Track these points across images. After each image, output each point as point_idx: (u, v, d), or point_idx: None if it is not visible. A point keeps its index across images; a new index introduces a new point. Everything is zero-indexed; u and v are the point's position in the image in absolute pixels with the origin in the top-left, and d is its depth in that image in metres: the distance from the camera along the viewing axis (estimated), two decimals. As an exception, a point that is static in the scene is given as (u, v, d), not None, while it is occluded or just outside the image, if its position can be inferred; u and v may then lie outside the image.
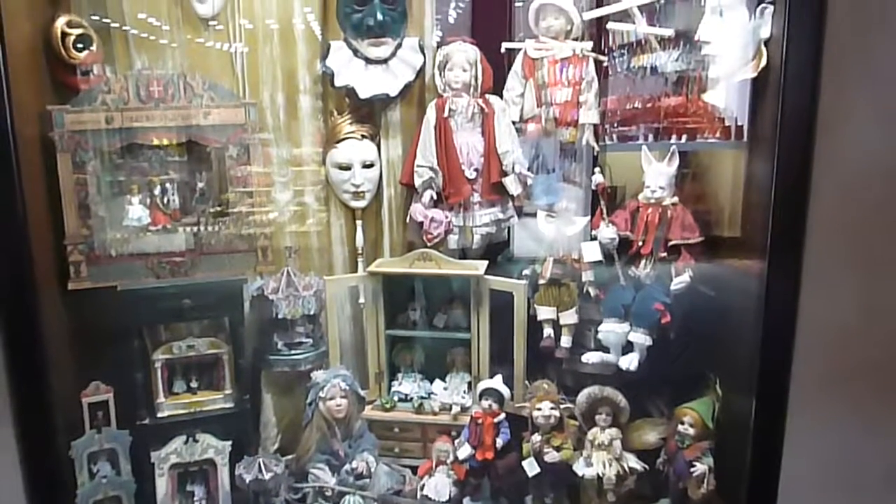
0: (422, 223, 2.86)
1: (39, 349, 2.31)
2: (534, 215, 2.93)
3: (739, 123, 2.66)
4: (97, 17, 2.75)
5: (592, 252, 2.75)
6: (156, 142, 2.64)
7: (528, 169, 2.91)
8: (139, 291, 2.66)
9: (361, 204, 3.06)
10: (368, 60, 2.89)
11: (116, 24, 2.80)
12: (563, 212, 2.85)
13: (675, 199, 2.74)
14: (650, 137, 2.79)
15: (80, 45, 2.62)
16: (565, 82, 2.84)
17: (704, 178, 3.00)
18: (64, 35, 2.59)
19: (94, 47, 2.66)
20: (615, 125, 2.83)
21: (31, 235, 2.28)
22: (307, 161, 3.04)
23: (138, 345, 2.73)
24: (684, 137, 2.75)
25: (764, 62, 2.43)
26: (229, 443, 2.74)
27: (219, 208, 2.78)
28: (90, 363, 2.69)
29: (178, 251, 2.67)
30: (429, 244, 2.86)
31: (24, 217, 2.25)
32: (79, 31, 2.63)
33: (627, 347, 2.76)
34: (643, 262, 2.77)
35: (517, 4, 2.89)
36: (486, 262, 2.88)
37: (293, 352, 2.88)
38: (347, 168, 2.99)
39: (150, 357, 2.73)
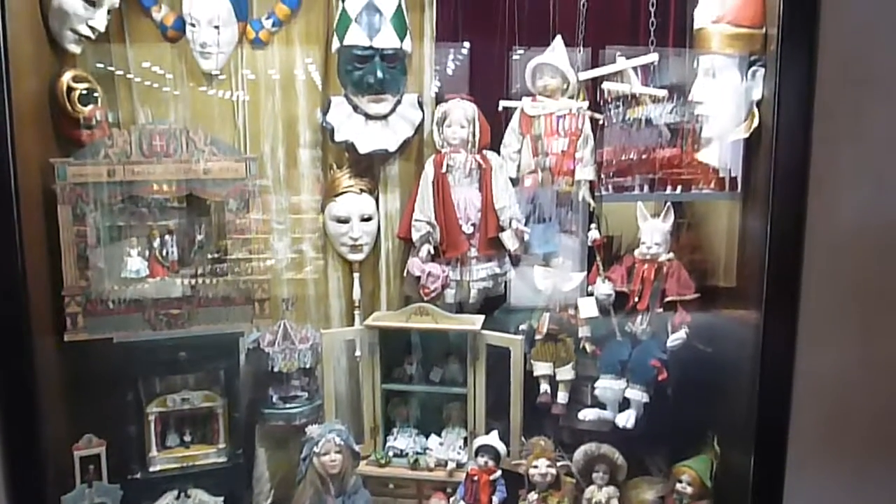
0: (419, 277, 2.87)
1: (33, 401, 2.29)
2: (531, 265, 2.95)
3: (733, 175, 2.71)
4: (102, 65, 2.81)
5: (589, 308, 2.76)
6: (156, 195, 2.66)
7: (526, 220, 2.94)
8: (135, 344, 2.65)
9: (359, 257, 3.07)
10: (368, 116, 2.94)
11: (121, 72, 2.87)
12: (560, 267, 2.86)
13: (671, 255, 2.77)
14: (646, 188, 2.84)
15: (85, 100, 2.66)
16: (561, 133, 2.89)
17: (700, 229, 3.03)
18: (70, 89, 2.63)
19: (98, 101, 2.70)
20: (611, 176, 2.87)
21: (28, 286, 2.29)
22: (305, 209, 3.07)
23: (132, 397, 2.71)
24: (679, 188, 2.80)
25: (756, 123, 2.49)
26: (221, 498, 2.71)
27: (217, 255, 2.79)
28: (83, 415, 2.66)
29: (176, 303, 2.67)
30: (426, 298, 2.87)
31: (23, 268, 2.26)
32: (84, 85, 2.67)
33: (624, 404, 2.76)
34: (639, 317, 2.78)
35: (514, 58, 2.95)
36: (482, 317, 2.88)
37: (288, 405, 2.86)
38: (346, 221, 3.02)
39: (145, 410, 2.71)
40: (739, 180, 2.69)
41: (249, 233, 2.73)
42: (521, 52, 2.93)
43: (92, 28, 2.63)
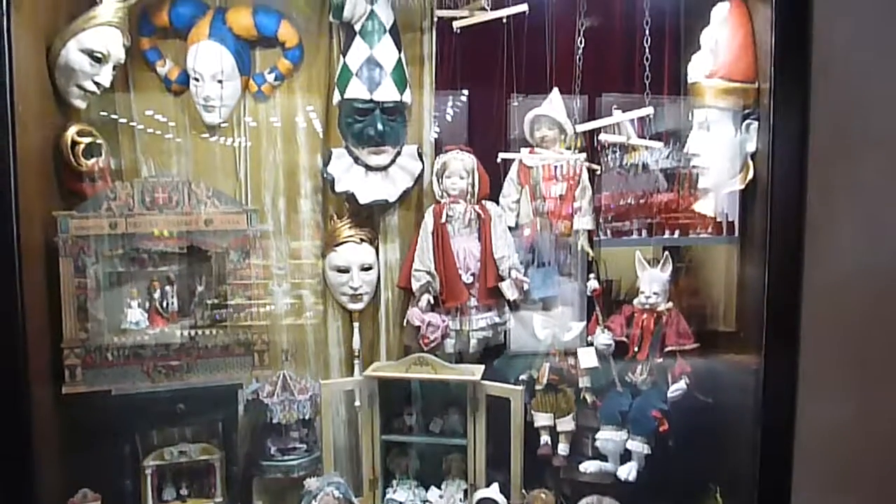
0: (419, 327, 2.87)
1: (29, 454, 2.27)
2: (530, 310, 2.96)
3: (731, 219, 2.74)
4: (105, 113, 2.85)
5: (589, 358, 2.76)
6: (158, 246, 2.68)
7: (525, 268, 2.95)
8: (133, 396, 2.64)
9: (359, 306, 3.08)
10: (368, 167, 2.97)
11: (124, 121, 2.92)
12: (559, 316, 2.87)
13: (670, 304, 2.78)
14: (644, 233, 2.86)
15: (88, 153, 2.69)
16: (559, 177, 2.92)
17: (698, 273, 3.04)
18: (74, 143, 2.67)
19: (102, 155, 2.73)
20: (609, 220, 2.90)
21: (28, 338, 2.29)
22: (305, 255, 3.09)
23: (129, 450, 2.69)
24: (677, 232, 2.82)
25: (751, 175, 2.52)
26: (218, 553, 2.67)
27: (216, 300, 2.80)
28: (79, 468, 2.63)
29: (175, 355, 2.67)
30: (425, 348, 2.87)
31: (23, 321, 2.26)
32: (88, 139, 2.71)
33: (626, 456, 2.73)
34: (639, 367, 2.78)
35: (514, 104, 2.99)
36: (482, 367, 2.87)
37: (286, 457, 2.83)
38: (346, 271, 3.03)
39: (141, 463, 2.69)
40: (737, 224, 2.72)
41: (249, 280, 2.74)
42: (520, 99, 2.98)
43: (97, 84, 2.69)
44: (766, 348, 2.39)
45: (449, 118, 3.13)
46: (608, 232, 2.89)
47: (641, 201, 2.88)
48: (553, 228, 2.94)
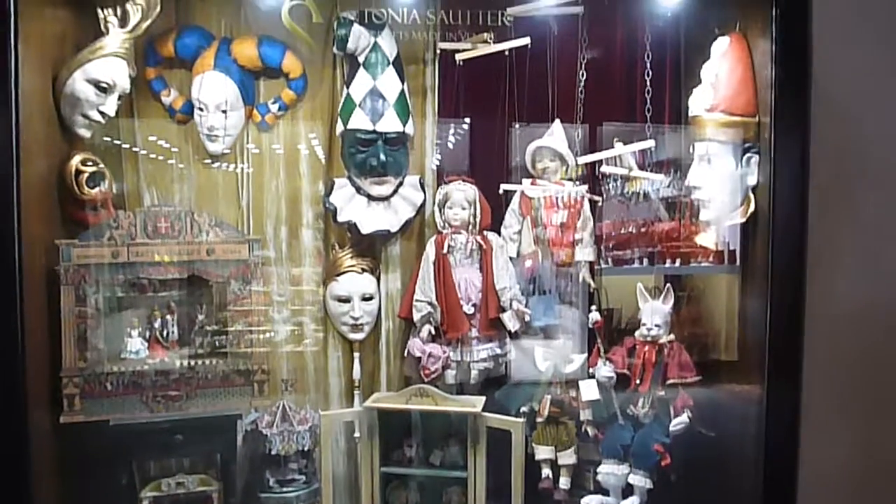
0: (420, 358, 2.86)
1: (25, 485, 2.26)
2: (531, 338, 2.95)
3: (732, 248, 2.75)
4: (108, 138, 2.87)
5: (591, 391, 2.74)
6: (159, 276, 2.68)
7: (526, 300, 2.95)
8: (131, 426, 2.62)
9: (360, 336, 3.07)
10: (371, 197, 2.98)
11: (126, 146, 2.93)
12: (560, 348, 2.86)
13: (672, 336, 2.77)
14: (645, 261, 2.87)
15: (92, 182, 2.70)
16: (560, 205, 2.93)
17: (700, 301, 3.04)
18: (78, 172, 2.68)
19: (105, 184, 2.74)
20: (610, 249, 2.91)
21: (27, 367, 2.28)
22: (306, 281, 3.08)
23: (127, 481, 2.66)
24: (678, 261, 2.82)
25: (752, 208, 2.53)
26: (214, 586, 2.63)
27: (216, 326, 2.79)
28: (77, 498, 2.61)
29: (174, 384, 2.66)
30: (426, 379, 2.85)
31: (22, 350, 2.26)
32: (92, 168, 2.72)
33: (628, 490, 2.71)
34: (641, 400, 2.76)
35: (515, 131, 3.01)
36: (483, 399, 2.85)
37: (285, 489, 2.80)
38: (347, 301, 3.02)
39: (139, 494, 2.66)
40: (738, 253, 2.73)
41: (250, 308, 2.74)
42: (521, 127, 3.00)
43: (102, 113, 2.70)
44: (768, 383, 2.39)
45: (451, 148, 3.14)
46: (609, 260, 2.89)
47: (642, 230, 2.89)
48: (554, 257, 2.94)
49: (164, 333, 2.75)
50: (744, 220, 2.55)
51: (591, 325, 2.82)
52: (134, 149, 2.96)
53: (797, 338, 2.35)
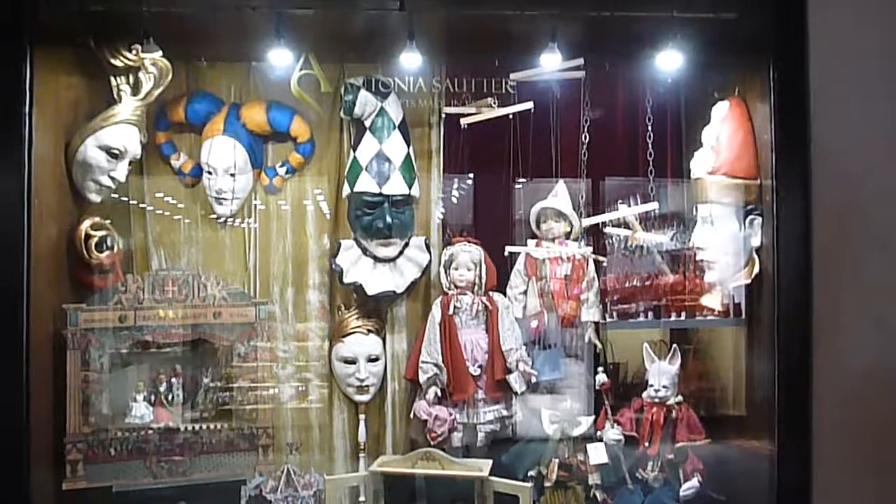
0: (426, 421, 2.84)
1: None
2: (537, 395, 2.92)
3: (737, 301, 2.75)
4: (117, 195, 2.89)
5: (599, 454, 2.71)
6: (166, 339, 2.68)
7: (531, 361, 2.93)
8: (135, 493, 2.60)
9: (365, 398, 3.04)
10: (377, 259, 3.00)
11: (133, 202, 2.97)
12: (568, 411, 2.83)
13: (680, 398, 2.75)
14: (649, 315, 2.87)
15: (101, 246, 2.73)
16: (563, 258, 2.94)
17: (706, 354, 3.04)
18: (87, 236, 2.71)
19: (114, 248, 2.77)
20: (615, 303, 2.91)
21: (31, 431, 2.27)
22: (312, 340, 3.07)
23: (127, 550, 2.63)
24: (683, 314, 2.82)
25: (757, 269, 2.54)
26: None
27: (220, 385, 2.78)
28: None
29: (178, 450, 2.64)
30: (433, 442, 2.82)
31: (27, 414, 2.25)
32: (102, 232, 2.75)
33: (639, 557, 2.65)
34: (650, 463, 2.72)
35: (517, 187, 3.05)
36: (490, 462, 2.81)
37: (289, 556, 2.75)
38: (353, 362, 3.01)
39: (139, 564, 2.62)
40: (743, 306, 2.73)
41: (255, 371, 2.73)
42: (524, 186, 3.04)
43: (113, 179, 2.75)
44: (778, 446, 2.37)
45: (455, 208, 3.17)
46: (614, 314, 2.89)
47: (646, 283, 2.90)
48: (558, 310, 2.93)
49: (170, 397, 2.74)
50: (748, 281, 2.56)
51: (598, 387, 2.80)
52: (142, 205, 3.00)
53: (806, 400, 2.33)
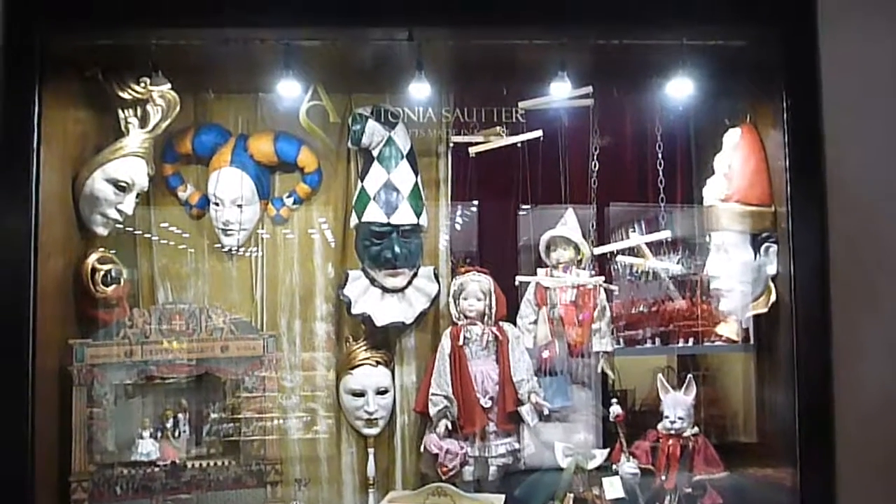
0: (437, 455, 2.79)
1: None
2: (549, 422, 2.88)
3: (745, 326, 2.71)
4: (121, 226, 2.87)
5: (615, 488, 2.65)
6: (173, 374, 2.65)
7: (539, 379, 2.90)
8: (140, 533, 2.55)
9: (374, 431, 2.99)
10: (385, 289, 2.97)
11: (142, 236, 2.96)
12: (582, 444, 2.78)
13: (696, 429, 2.70)
14: (657, 341, 2.84)
15: (107, 280, 2.70)
16: (569, 283, 2.90)
17: (715, 381, 2.99)
18: (94, 270, 2.69)
19: (121, 282, 2.74)
20: (622, 329, 2.88)
21: (35, 471, 2.23)
22: (319, 372, 3.03)
23: (134, 590, 2.56)
24: (691, 341, 2.78)
25: (773, 298, 2.50)
26: None
27: (228, 426, 2.74)
28: None
29: (185, 488, 2.59)
30: (444, 477, 2.77)
31: (32, 452, 2.21)
32: (108, 266, 2.72)
33: None
34: (668, 497, 2.66)
35: (525, 214, 3.03)
36: (502, 497, 2.76)
37: None
38: (361, 395, 2.96)
39: None
40: (752, 332, 2.68)
41: (263, 403, 2.69)
42: (533, 213, 3.01)
43: (120, 212, 2.73)
44: (801, 477, 2.30)
45: (465, 236, 3.15)
46: (621, 341, 2.85)
47: (653, 309, 2.86)
48: (566, 336, 2.89)
49: (176, 433, 2.69)
50: (766, 310, 2.52)
51: (612, 419, 2.74)
52: (147, 236, 2.99)
53: (828, 429, 2.28)
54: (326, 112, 2.98)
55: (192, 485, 2.60)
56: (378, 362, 3.00)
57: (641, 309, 2.90)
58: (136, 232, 2.98)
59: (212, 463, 2.63)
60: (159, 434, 2.68)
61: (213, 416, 2.75)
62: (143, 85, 2.68)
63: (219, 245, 3.01)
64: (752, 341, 2.70)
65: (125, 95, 2.70)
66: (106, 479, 2.53)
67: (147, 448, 2.60)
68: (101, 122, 2.81)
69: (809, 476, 2.30)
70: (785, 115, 2.42)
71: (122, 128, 2.73)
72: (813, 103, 2.34)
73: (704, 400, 2.84)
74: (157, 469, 2.59)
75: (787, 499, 2.37)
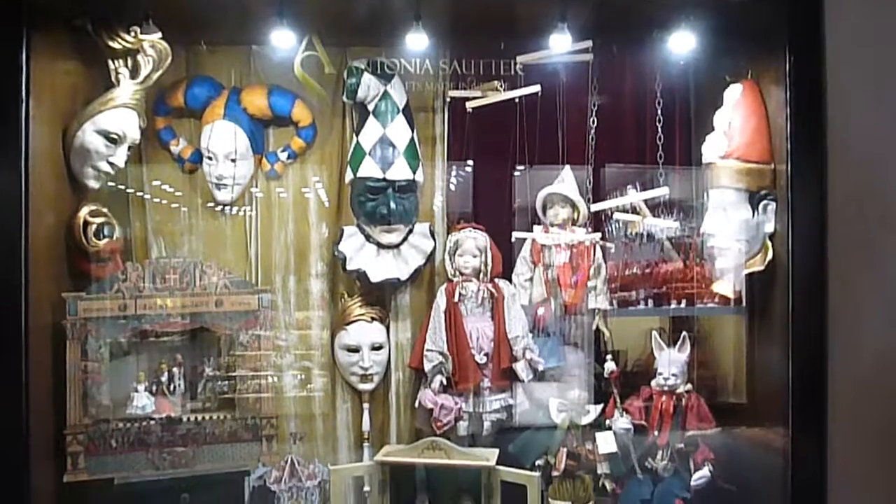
0: (431, 410, 2.80)
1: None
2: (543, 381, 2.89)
3: (737, 289, 2.70)
4: (113, 184, 2.84)
5: (608, 443, 2.67)
6: (167, 329, 2.64)
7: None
8: (136, 485, 2.56)
9: (369, 387, 3.00)
10: (380, 246, 2.95)
11: (133, 191, 2.93)
12: (576, 400, 2.80)
13: (689, 386, 2.72)
14: (650, 302, 2.83)
15: (100, 234, 2.68)
16: (564, 245, 2.89)
17: (706, 343, 3.00)
18: (86, 224, 2.66)
19: (114, 236, 2.72)
20: (615, 290, 2.86)
21: (31, 424, 2.23)
22: (315, 329, 3.03)
23: (131, 541, 2.59)
24: (684, 302, 2.78)
25: (770, 256, 2.49)
26: None
27: (224, 382, 2.74)
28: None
29: (181, 441, 2.60)
30: (438, 432, 2.78)
31: (27, 408, 2.21)
32: (100, 220, 2.70)
33: (648, 547, 2.62)
34: (660, 452, 2.69)
35: (525, 173, 2.99)
36: (496, 451, 2.78)
37: (294, 547, 2.73)
38: (356, 350, 2.96)
39: (141, 557, 2.59)
40: (744, 294, 2.68)
41: (258, 359, 2.69)
42: (530, 171, 2.97)
43: (112, 164, 2.69)
44: (792, 436, 2.33)
45: (460, 194, 3.12)
46: (614, 302, 2.85)
47: (647, 271, 2.86)
48: (562, 296, 2.89)
49: (171, 387, 2.69)
50: (762, 268, 2.51)
51: (606, 375, 2.76)
52: (140, 194, 2.95)
53: (821, 390, 2.29)
54: (321, 64, 2.91)
55: (187, 438, 2.60)
56: (373, 318, 3.00)
57: (635, 271, 2.89)
58: (128, 190, 2.94)
59: (207, 417, 2.63)
60: (154, 388, 2.68)
61: (208, 372, 2.75)
62: (133, 34, 2.61)
63: (213, 204, 2.98)
64: (744, 303, 2.70)
65: (115, 45, 2.63)
66: (101, 433, 2.53)
67: (142, 402, 2.61)
68: (91, 74, 2.74)
69: (801, 439, 2.32)
70: (787, 74, 2.39)
71: (113, 79, 2.67)
72: (816, 62, 2.32)
73: (696, 361, 2.86)
74: (152, 422, 2.59)
75: (777, 460, 2.39)
